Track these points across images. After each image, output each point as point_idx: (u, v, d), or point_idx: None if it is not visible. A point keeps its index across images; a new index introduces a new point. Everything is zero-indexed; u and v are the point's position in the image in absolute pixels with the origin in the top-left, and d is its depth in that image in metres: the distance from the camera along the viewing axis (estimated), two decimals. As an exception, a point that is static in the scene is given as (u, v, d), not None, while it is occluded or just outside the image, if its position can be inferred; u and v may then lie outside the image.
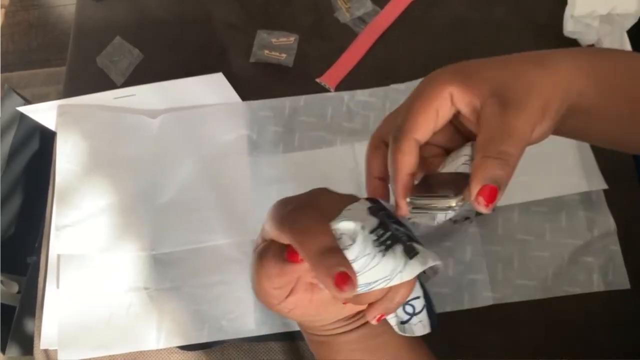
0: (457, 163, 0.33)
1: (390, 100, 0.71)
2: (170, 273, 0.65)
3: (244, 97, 0.71)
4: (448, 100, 0.32)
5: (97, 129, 0.70)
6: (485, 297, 0.62)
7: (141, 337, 0.62)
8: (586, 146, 0.67)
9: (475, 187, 0.29)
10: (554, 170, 0.66)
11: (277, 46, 0.75)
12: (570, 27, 0.71)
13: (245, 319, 0.62)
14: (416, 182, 0.34)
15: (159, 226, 0.66)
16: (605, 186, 0.65)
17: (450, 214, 0.32)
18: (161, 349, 0.63)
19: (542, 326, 0.62)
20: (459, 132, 0.35)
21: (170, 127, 0.70)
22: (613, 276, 0.62)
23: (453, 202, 0.30)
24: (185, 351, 0.63)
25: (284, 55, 0.74)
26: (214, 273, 0.64)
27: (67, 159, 0.68)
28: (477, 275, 0.63)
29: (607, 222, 0.64)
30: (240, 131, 0.70)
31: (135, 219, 0.66)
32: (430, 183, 0.33)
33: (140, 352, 0.63)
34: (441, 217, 0.33)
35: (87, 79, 0.76)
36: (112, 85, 0.75)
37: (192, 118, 0.70)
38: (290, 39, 0.75)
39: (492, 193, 0.29)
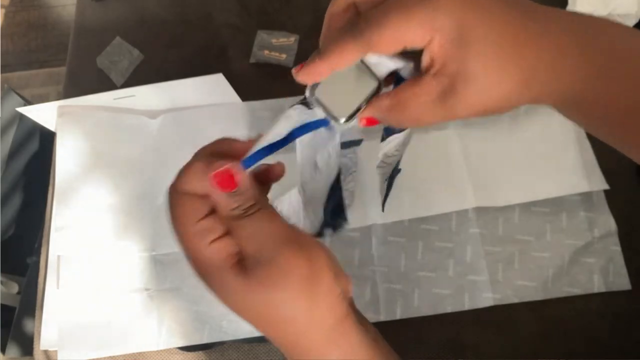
0: (383, 65, 0.31)
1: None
2: (170, 274, 0.65)
3: (244, 97, 0.71)
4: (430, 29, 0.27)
5: (97, 129, 0.70)
6: (485, 298, 0.62)
7: (141, 338, 0.62)
8: (587, 146, 0.67)
9: (367, 112, 0.31)
10: (555, 170, 0.66)
11: (277, 46, 0.75)
12: (570, 28, 0.70)
13: (245, 319, 0.62)
14: None
15: (159, 227, 0.66)
16: (606, 186, 0.65)
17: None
18: (161, 350, 0.63)
19: (542, 327, 0.61)
20: None
21: (170, 128, 0.70)
22: (614, 277, 0.62)
23: (342, 119, 0.31)
24: (186, 352, 0.63)
25: (284, 55, 0.74)
26: (214, 274, 0.64)
27: (67, 159, 0.68)
28: (477, 276, 0.62)
29: (608, 222, 0.64)
30: (240, 131, 0.70)
31: (135, 219, 0.66)
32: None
33: (141, 352, 0.63)
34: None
35: (87, 79, 0.76)
36: (112, 86, 0.75)
37: (192, 118, 0.70)
38: (290, 39, 0.75)
39: (373, 122, 0.31)
